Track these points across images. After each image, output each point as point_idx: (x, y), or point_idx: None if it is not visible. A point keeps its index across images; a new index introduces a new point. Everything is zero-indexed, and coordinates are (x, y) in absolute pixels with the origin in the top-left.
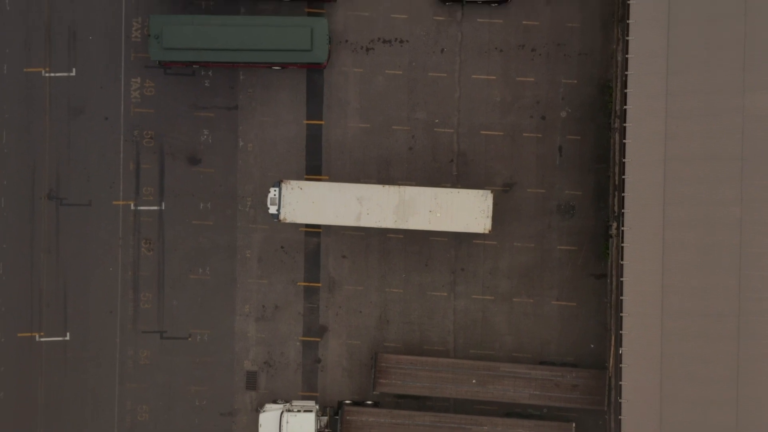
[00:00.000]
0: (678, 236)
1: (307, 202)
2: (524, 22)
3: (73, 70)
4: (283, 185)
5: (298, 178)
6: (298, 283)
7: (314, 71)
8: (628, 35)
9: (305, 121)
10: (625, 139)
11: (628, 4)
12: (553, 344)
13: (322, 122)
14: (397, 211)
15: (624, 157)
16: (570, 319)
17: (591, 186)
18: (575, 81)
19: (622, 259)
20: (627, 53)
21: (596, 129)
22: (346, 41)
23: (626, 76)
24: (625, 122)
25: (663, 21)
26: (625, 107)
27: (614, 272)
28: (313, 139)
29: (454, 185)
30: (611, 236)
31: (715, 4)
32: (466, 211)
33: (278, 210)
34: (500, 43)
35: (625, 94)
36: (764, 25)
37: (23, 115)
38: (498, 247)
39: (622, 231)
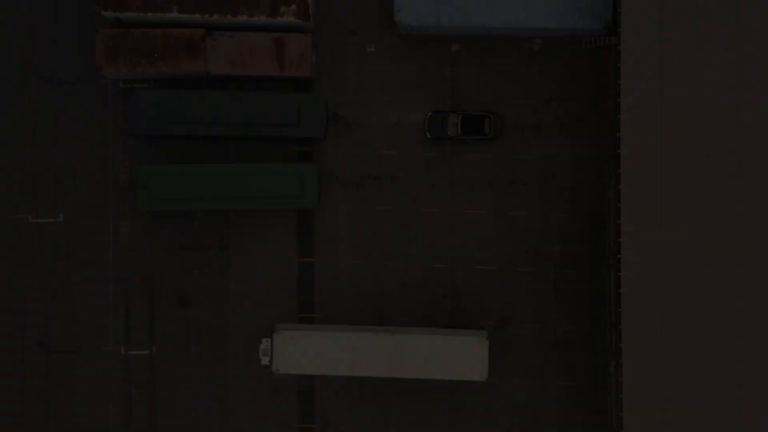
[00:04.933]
0: (679, 401)
1: (299, 353)
2: (514, 157)
3: (60, 215)
4: (275, 336)
5: (291, 317)
6: (293, 425)
7: (305, 210)
8: (619, 185)
9: (297, 259)
10: (620, 288)
11: (618, 152)
12: None
13: (314, 260)
14: (391, 360)
15: (620, 307)
16: None
17: (588, 321)
18: (568, 215)
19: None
20: (619, 202)
21: (591, 263)
22: (336, 178)
23: (619, 223)
24: (619, 271)
25: (655, 183)
26: (619, 256)
27: (614, 411)
28: (305, 277)
29: (448, 322)
30: (610, 374)
31: (707, 167)
32: (461, 357)
33: (270, 361)
34: (491, 178)
35: (619, 242)
36: (759, 185)
37: (10, 263)
38: (495, 384)
39: (621, 398)
